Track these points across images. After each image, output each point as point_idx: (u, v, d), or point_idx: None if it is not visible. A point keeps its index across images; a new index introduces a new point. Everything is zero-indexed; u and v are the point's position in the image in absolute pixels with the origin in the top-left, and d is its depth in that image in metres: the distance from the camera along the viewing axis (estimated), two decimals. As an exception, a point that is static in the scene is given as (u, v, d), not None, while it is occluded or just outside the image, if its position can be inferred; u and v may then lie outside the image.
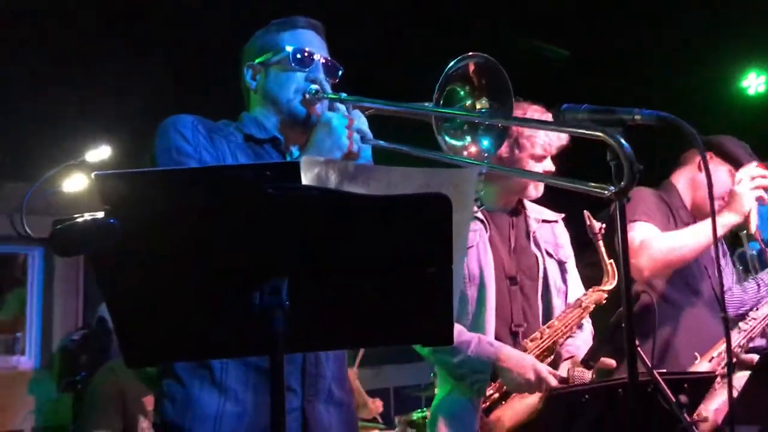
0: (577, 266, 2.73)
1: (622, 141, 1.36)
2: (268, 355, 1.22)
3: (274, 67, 2.01)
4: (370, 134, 1.90)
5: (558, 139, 2.53)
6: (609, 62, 4.99)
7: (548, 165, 2.55)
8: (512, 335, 2.46)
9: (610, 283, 2.57)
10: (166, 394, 1.83)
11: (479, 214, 2.52)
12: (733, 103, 5.57)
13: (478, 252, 2.46)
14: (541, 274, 2.57)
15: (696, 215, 3.14)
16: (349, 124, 1.84)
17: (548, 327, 2.47)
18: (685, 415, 1.95)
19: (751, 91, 5.64)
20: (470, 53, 1.82)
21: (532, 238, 2.61)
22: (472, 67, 1.84)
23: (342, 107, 1.90)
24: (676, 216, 3.07)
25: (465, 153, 1.86)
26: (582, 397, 1.95)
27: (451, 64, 1.80)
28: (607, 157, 1.42)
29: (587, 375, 2.30)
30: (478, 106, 1.89)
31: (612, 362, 2.29)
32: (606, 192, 1.41)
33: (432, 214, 1.21)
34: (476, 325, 2.40)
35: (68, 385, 4.69)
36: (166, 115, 1.88)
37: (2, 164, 4.39)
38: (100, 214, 1.15)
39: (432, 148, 1.83)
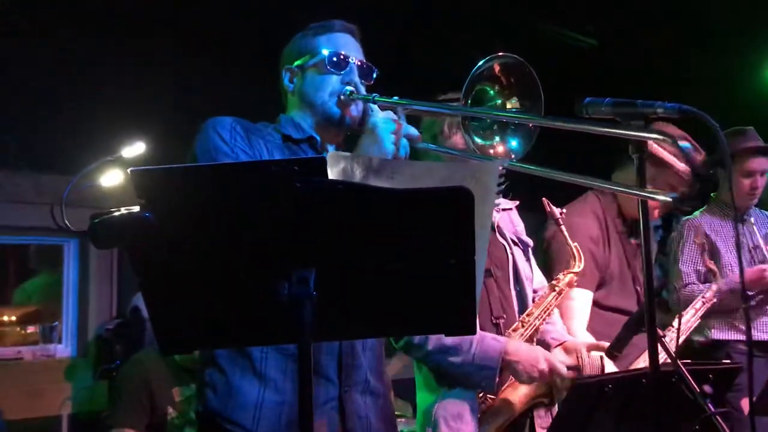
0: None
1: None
2: (296, 343, 1.26)
3: (310, 70, 2.05)
4: (416, 136, 1.88)
5: None
6: (630, 54, 4.93)
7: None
8: (494, 327, 2.44)
9: (577, 266, 2.59)
10: (208, 383, 1.87)
11: None
12: (758, 94, 5.44)
13: None
14: (510, 265, 2.55)
15: (632, 223, 3.07)
16: (397, 129, 1.83)
17: (527, 315, 2.46)
18: (710, 405, 1.96)
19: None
20: (499, 53, 1.81)
21: (496, 229, 2.59)
22: (499, 67, 1.83)
23: (390, 113, 1.88)
24: (609, 228, 3.04)
25: (492, 152, 1.85)
26: (606, 386, 1.96)
27: (480, 63, 1.79)
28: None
29: (597, 362, 2.31)
30: (508, 106, 1.87)
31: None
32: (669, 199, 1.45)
33: (454, 207, 1.23)
34: None
35: (104, 373, 4.79)
36: (198, 113, 1.94)
37: (40, 158, 4.50)
38: (136, 208, 1.20)
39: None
